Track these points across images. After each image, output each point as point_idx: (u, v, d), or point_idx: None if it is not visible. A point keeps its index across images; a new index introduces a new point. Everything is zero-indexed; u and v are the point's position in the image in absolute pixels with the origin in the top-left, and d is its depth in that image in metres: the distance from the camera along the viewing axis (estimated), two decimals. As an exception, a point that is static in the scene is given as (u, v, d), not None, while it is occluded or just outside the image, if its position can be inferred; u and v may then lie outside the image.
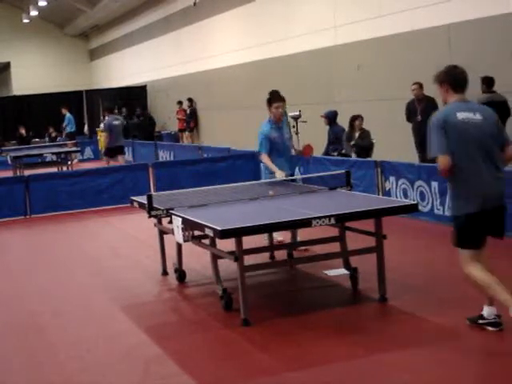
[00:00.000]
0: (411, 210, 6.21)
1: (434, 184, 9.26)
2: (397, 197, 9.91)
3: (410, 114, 11.92)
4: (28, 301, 7.05)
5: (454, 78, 5.27)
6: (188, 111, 23.34)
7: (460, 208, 5.01)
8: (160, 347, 5.35)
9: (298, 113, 15.15)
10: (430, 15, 12.16)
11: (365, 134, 12.12)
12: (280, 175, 7.61)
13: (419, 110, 11.72)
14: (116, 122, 16.22)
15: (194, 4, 21.85)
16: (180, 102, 23.60)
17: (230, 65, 20.32)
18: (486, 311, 5.12)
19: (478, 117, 5.04)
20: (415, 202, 6.59)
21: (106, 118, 16.72)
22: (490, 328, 5.08)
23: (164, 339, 5.55)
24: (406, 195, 9.86)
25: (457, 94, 5.21)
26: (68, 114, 22.61)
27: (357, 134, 12.14)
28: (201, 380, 4.71)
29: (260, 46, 18.41)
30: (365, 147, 11.97)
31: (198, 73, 22.62)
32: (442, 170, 4.92)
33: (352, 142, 12.10)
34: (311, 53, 15.93)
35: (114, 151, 16.18)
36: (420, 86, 11.71)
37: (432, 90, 12.35)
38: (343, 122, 13.09)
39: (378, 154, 12.32)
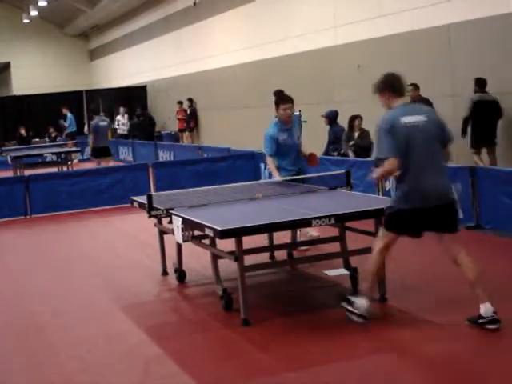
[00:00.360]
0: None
1: (434, 184, 9.25)
2: (397, 197, 9.88)
3: None
4: (28, 301, 7.05)
5: (393, 85, 5.57)
6: (188, 111, 23.32)
7: (397, 202, 5.28)
8: (160, 347, 5.35)
9: (298, 113, 15.15)
10: (430, 15, 12.15)
11: (364, 134, 12.12)
12: (277, 177, 7.63)
13: None
14: (102, 124, 16.30)
15: (194, 4, 21.85)
16: (180, 102, 23.59)
17: (229, 65, 20.32)
18: (483, 309, 5.13)
19: (422, 119, 5.24)
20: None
21: (94, 119, 16.83)
22: (489, 326, 5.09)
23: (164, 339, 5.55)
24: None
25: (399, 98, 5.48)
26: (69, 114, 22.58)
27: (356, 134, 12.14)
28: (201, 380, 4.71)
29: (260, 46, 18.41)
30: (364, 147, 11.97)
31: (198, 73, 22.62)
32: (390, 171, 5.18)
33: (351, 142, 12.09)
34: (311, 53, 15.92)
35: (99, 152, 16.20)
36: (415, 87, 11.71)
37: (432, 91, 12.40)
38: (343, 121, 13.09)
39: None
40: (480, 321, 5.16)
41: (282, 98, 7.74)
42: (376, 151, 5.24)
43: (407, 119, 5.19)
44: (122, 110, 25.21)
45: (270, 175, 7.93)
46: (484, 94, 10.99)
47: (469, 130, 11.05)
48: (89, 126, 27.12)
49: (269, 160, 7.77)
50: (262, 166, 12.99)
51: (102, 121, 16.46)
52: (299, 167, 7.97)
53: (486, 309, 5.12)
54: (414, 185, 5.14)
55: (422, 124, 5.19)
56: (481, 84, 10.98)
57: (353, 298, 5.49)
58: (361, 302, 5.40)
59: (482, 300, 5.14)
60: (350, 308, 5.45)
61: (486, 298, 5.12)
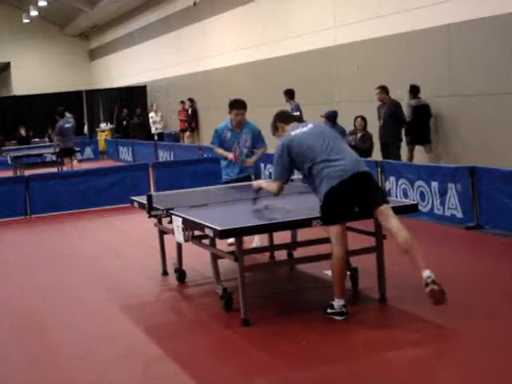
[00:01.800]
0: (411, 210, 6.21)
1: (434, 184, 9.27)
2: (397, 197, 9.90)
3: (378, 117, 12.36)
4: (28, 301, 7.06)
5: (283, 116, 6.06)
6: (189, 111, 23.29)
7: (322, 192, 5.51)
8: (160, 347, 5.36)
9: (298, 113, 15.18)
10: (430, 15, 12.15)
11: (366, 137, 12.08)
12: (230, 156, 8.06)
13: (382, 113, 12.10)
14: (67, 125, 16.55)
15: (194, 4, 21.85)
16: (182, 102, 23.52)
17: (230, 65, 20.32)
18: (425, 274, 5.25)
19: (309, 126, 5.78)
20: (415, 202, 6.59)
21: (60, 121, 17.00)
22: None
23: (164, 339, 5.55)
24: (406, 195, 9.86)
25: (290, 124, 5.93)
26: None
27: (359, 136, 12.11)
28: (201, 380, 4.71)
29: (260, 46, 18.41)
30: (364, 150, 11.94)
31: (198, 73, 22.62)
32: (277, 192, 5.84)
33: (352, 143, 12.06)
34: (311, 53, 15.92)
35: (66, 152, 16.61)
36: (382, 89, 12.14)
37: (432, 91, 12.41)
38: (343, 121, 13.08)
39: (378, 154, 12.33)
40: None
41: (235, 103, 8.23)
42: (273, 172, 5.94)
43: (296, 131, 5.79)
44: (154, 106, 23.45)
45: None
46: (419, 99, 12.15)
47: (403, 131, 12.24)
48: (89, 126, 27.35)
49: (216, 149, 8.32)
50: (262, 166, 13.00)
51: (66, 123, 16.72)
52: (241, 175, 8.27)
53: (336, 302, 5.55)
54: (330, 171, 5.50)
55: (309, 130, 5.76)
56: (414, 91, 12.19)
57: (331, 302, 5.67)
58: (336, 303, 5.62)
59: (419, 268, 5.28)
60: (330, 311, 5.65)
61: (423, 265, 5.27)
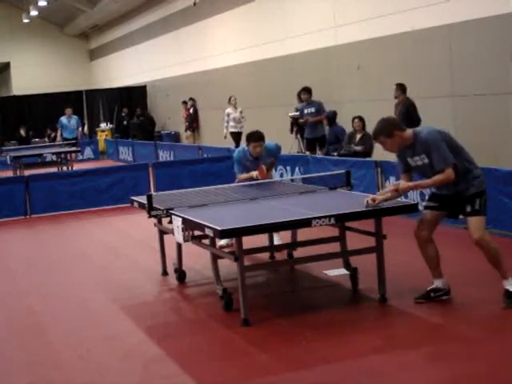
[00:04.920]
0: (411, 210, 6.20)
1: (434, 184, 9.25)
2: (397, 197, 9.88)
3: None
4: (28, 301, 7.05)
5: (397, 124, 5.89)
6: (191, 111, 23.24)
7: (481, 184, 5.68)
8: (160, 347, 5.35)
9: (297, 113, 15.17)
10: (430, 15, 12.15)
11: (365, 138, 12.06)
12: (254, 174, 7.85)
13: (397, 113, 11.70)
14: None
15: (194, 4, 21.84)
16: (185, 102, 23.46)
17: (229, 65, 20.32)
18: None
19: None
20: (415, 202, 6.59)
21: None
22: None
23: (164, 339, 5.55)
24: (406, 195, 9.85)
25: (405, 130, 5.79)
26: (75, 117, 21.14)
27: (358, 137, 12.09)
28: (201, 380, 4.71)
29: (260, 46, 18.41)
30: (364, 152, 11.92)
31: (198, 73, 22.62)
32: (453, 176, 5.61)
33: (351, 146, 12.05)
34: (311, 53, 15.92)
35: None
36: (398, 86, 11.76)
37: (432, 91, 12.41)
38: (343, 121, 13.09)
39: (378, 154, 12.32)
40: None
41: (252, 136, 7.96)
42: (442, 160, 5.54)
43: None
44: (232, 98, 17.70)
45: (282, 175, 8.02)
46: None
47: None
48: (89, 126, 27.34)
49: (240, 177, 8.06)
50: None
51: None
52: None
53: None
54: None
55: None
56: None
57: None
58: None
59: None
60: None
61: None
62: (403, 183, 5.81)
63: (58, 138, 20.68)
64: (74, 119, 20.46)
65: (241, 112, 17.72)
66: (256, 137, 7.93)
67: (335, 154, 12.32)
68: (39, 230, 11.37)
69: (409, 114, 11.47)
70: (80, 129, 21.17)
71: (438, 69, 12.22)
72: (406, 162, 5.84)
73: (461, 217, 5.83)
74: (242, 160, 8.05)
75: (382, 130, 5.76)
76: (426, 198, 6.14)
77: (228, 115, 17.67)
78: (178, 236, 6.13)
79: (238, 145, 16.89)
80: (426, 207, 5.96)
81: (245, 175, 8.02)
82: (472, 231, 5.57)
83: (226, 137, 17.56)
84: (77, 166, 17.99)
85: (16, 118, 26.53)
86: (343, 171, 7.44)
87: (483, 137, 11.39)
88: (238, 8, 19.42)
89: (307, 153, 13.66)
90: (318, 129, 14.00)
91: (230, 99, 17.74)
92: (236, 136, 17.64)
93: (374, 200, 5.82)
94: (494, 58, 11.02)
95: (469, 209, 5.60)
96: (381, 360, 4.80)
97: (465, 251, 7.48)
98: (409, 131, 5.74)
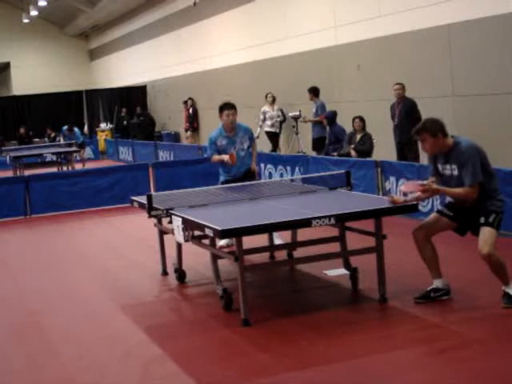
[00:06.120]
0: (411, 210, 6.21)
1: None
2: (397, 197, 9.88)
3: (392, 116, 11.89)
4: (28, 300, 7.05)
5: (443, 128, 5.76)
6: (190, 111, 23.24)
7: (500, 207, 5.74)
8: (160, 347, 5.36)
9: (297, 113, 15.17)
10: (430, 15, 12.15)
11: (366, 138, 12.05)
12: (225, 158, 8.00)
13: (397, 112, 11.68)
14: None
15: (194, 4, 21.83)
16: (186, 102, 23.43)
17: (229, 65, 20.32)
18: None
19: None
20: (415, 202, 6.58)
21: None
22: None
23: (164, 339, 5.55)
24: (406, 195, 9.84)
25: (448, 137, 5.75)
26: (76, 130, 21.13)
27: (358, 137, 12.08)
28: (201, 380, 4.71)
29: (260, 46, 18.41)
30: (364, 152, 11.92)
31: (198, 73, 22.61)
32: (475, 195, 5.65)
33: (352, 146, 12.05)
34: (311, 53, 15.92)
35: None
36: (402, 86, 11.68)
37: (432, 91, 12.40)
38: (343, 121, 13.09)
39: (378, 154, 12.32)
40: None
41: (224, 105, 8.14)
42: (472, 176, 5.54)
43: None
44: (269, 96, 16.38)
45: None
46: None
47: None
48: (89, 126, 27.33)
49: (212, 157, 8.22)
50: (262, 165, 13.00)
51: None
52: (238, 168, 8.22)
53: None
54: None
55: None
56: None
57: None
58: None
59: None
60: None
61: None
62: (436, 185, 5.77)
63: (62, 141, 21.01)
64: (77, 133, 20.93)
65: (280, 110, 16.29)
66: (228, 105, 8.11)
67: (335, 153, 12.32)
68: (39, 230, 11.37)
69: (410, 113, 11.44)
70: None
71: (437, 69, 12.22)
72: (436, 167, 5.85)
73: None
74: (215, 139, 8.15)
75: (428, 127, 5.69)
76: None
77: (264, 113, 16.27)
78: (178, 236, 6.13)
79: (274, 147, 16.05)
80: (438, 211, 5.95)
81: (217, 157, 8.16)
82: (481, 245, 5.53)
83: (258, 136, 15.51)
84: (77, 166, 17.99)
85: (16, 117, 26.53)
86: (343, 171, 7.44)
87: (483, 137, 11.37)
88: (238, 8, 19.41)
89: (313, 153, 13.72)
90: (320, 129, 14.05)
91: (266, 96, 16.41)
92: (272, 136, 16.32)
93: (394, 200, 6.00)
94: (494, 57, 11.01)
95: (482, 220, 5.59)
96: (381, 360, 4.80)
97: (465, 251, 7.49)
98: (450, 139, 5.70)
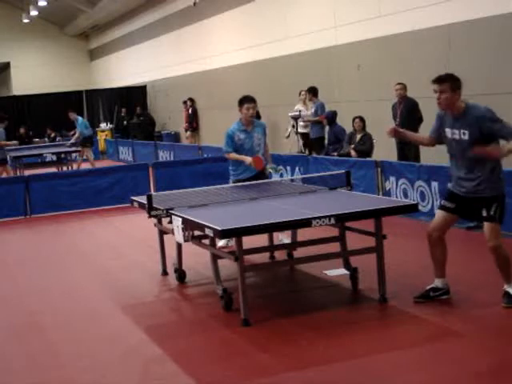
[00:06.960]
0: (411, 209, 6.21)
1: (434, 184, 9.26)
2: (397, 197, 9.90)
3: (394, 115, 11.86)
4: (28, 301, 7.05)
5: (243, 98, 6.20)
6: (190, 111, 23.24)
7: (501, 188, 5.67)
8: (160, 347, 5.36)
9: (297, 113, 15.16)
10: (430, 15, 12.15)
11: (366, 138, 12.04)
12: (248, 161, 7.79)
13: (398, 112, 11.64)
14: None
15: (194, 4, 21.84)
16: (185, 102, 23.44)
17: (229, 65, 20.32)
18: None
19: None
20: (415, 202, 6.59)
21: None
22: None
23: (164, 339, 5.55)
24: (406, 195, 9.86)
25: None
26: (80, 118, 18.96)
27: (358, 137, 12.07)
28: (201, 380, 4.71)
29: (260, 46, 18.41)
30: (364, 151, 11.91)
31: (198, 73, 22.62)
32: None
33: (352, 146, 12.04)
34: (311, 53, 15.92)
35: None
36: (404, 86, 11.65)
37: (432, 91, 12.38)
38: (343, 121, 13.09)
39: (378, 154, 12.32)
40: None
41: (245, 98, 7.95)
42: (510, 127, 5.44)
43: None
44: (303, 93, 14.92)
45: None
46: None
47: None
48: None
49: (230, 154, 7.96)
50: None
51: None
52: (256, 173, 7.97)
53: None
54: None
55: None
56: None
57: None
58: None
59: None
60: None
61: None
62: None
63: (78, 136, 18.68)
64: (79, 120, 19.61)
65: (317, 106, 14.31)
66: (249, 98, 7.93)
67: (335, 154, 12.32)
68: (39, 229, 11.37)
69: (411, 113, 11.44)
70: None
71: (437, 69, 12.19)
72: (440, 129, 5.81)
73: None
74: (233, 133, 7.88)
75: (452, 79, 5.73)
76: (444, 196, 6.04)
77: (298, 111, 14.91)
78: (178, 236, 6.13)
79: (309, 150, 14.40)
80: (441, 206, 5.91)
81: (237, 156, 7.91)
82: (487, 238, 5.55)
83: (288, 136, 15.08)
84: (83, 166, 17.97)
85: (16, 118, 26.52)
86: (343, 171, 7.44)
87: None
88: (238, 8, 19.42)
89: (313, 153, 13.68)
90: (319, 129, 14.02)
91: (300, 93, 15.02)
92: (306, 138, 14.87)
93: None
94: (494, 57, 11.01)
95: (484, 213, 5.56)
96: (381, 360, 4.80)
97: (465, 252, 7.50)
98: (462, 102, 5.68)
